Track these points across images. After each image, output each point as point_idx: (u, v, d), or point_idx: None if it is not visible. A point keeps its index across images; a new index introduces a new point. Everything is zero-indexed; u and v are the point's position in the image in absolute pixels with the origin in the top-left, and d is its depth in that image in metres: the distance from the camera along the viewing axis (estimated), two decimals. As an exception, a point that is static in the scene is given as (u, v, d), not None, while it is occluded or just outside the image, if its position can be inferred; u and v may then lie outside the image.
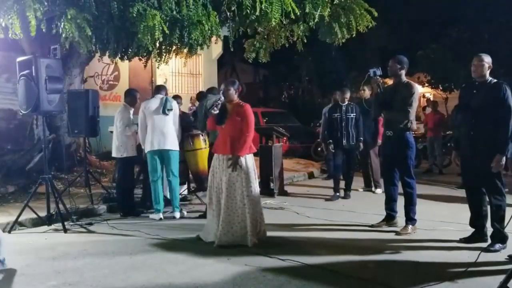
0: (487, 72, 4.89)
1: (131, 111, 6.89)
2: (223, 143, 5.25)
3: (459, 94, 5.33)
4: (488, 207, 4.99)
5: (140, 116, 6.62)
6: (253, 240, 5.08)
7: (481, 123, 4.83)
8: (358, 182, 9.18)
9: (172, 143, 6.57)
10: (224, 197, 5.12)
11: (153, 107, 6.58)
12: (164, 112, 6.52)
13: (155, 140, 6.49)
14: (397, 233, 5.56)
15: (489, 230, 4.98)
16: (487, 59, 4.90)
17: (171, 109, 6.59)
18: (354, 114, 7.89)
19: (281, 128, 8.87)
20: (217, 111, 5.22)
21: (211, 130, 5.89)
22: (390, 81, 6.06)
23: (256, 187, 5.25)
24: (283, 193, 8.34)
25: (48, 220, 6.13)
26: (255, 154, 5.39)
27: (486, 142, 4.78)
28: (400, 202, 5.80)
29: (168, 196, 6.78)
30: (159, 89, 6.88)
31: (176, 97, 7.58)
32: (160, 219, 6.46)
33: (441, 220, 6.12)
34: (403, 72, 5.65)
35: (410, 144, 5.61)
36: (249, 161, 5.24)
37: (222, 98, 5.28)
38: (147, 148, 6.55)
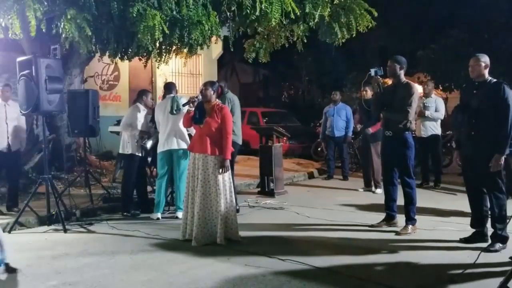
0: (485, 72, 4.91)
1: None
2: (200, 142, 5.28)
3: (460, 94, 5.34)
4: (489, 206, 4.99)
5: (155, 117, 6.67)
6: (222, 238, 5.13)
7: (481, 123, 4.84)
8: (358, 182, 9.19)
9: (179, 143, 6.44)
10: (199, 195, 5.17)
11: (162, 108, 6.55)
12: (171, 113, 6.40)
13: (163, 141, 6.46)
14: (397, 233, 5.56)
15: (489, 230, 4.99)
16: (483, 59, 4.92)
17: (179, 109, 6.35)
18: None
19: (281, 128, 8.87)
20: (193, 109, 5.30)
21: (186, 128, 5.96)
22: (390, 82, 6.06)
23: (230, 187, 5.31)
24: (283, 193, 8.33)
25: (48, 220, 6.14)
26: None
27: (486, 142, 4.79)
28: (400, 202, 5.81)
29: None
30: (169, 88, 6.81)
31: None
32: (158, 218, 6.44)
33: (441, 220, 6.13)
34: (402, 72, 5.66)
35: (409, 144, 5.61)
36: None
37: (200, 97, 5.33)
38: (158, 149, 6.54)
